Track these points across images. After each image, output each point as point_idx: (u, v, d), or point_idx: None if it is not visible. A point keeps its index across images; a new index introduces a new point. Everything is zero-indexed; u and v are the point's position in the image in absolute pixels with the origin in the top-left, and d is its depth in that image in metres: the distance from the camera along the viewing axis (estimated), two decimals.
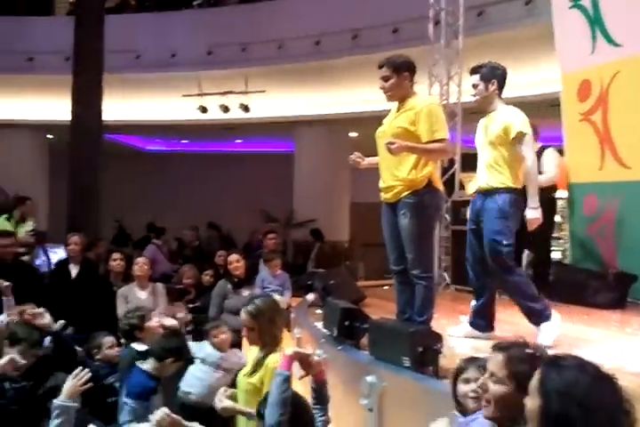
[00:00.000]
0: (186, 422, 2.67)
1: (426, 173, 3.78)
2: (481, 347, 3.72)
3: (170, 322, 5.01)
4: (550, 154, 6.42)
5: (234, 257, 5.40)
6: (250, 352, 3.29)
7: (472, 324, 4.21)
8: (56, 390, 3.35)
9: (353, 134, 13.20)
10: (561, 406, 1.57)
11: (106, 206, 10.28)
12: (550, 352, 1.88)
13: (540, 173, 6.31)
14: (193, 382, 4.12)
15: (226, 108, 11.89)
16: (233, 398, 3.16)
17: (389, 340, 3.56)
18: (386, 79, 3.80)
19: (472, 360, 2.54)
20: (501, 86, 4.14)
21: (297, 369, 2.71)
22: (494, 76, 4.11)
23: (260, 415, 2.59)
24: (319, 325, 4.75)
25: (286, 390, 2.50)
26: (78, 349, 4.18)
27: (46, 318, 4.11)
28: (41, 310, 4.13)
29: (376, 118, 4.13)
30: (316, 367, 2.70)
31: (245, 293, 5.21)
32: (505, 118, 4.01)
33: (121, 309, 5.24)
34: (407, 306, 3.93)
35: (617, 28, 5.98)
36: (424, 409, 3.15)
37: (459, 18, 7.34)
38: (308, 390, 2.82)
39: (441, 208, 3.97)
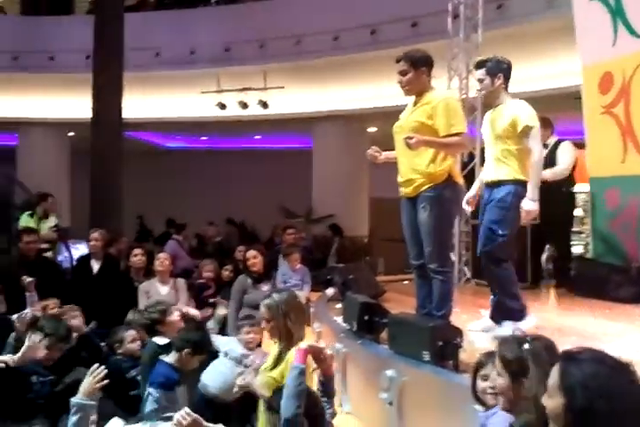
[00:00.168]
0: (206, 423, 2.69)
1: (445, 166, 3.77)
2: None
3: (193, 312, 5.07)
4: (566, 147, 6.37)
5: (251, 253, 5.41)
6: (272, 347, 3.32)
7: (493, 318, 4.19)
8: (77, 385, 3.40)
9: (372, 129, 13.17)
10: (585, 399, 1.56)
11: (126, 203, 10.36)
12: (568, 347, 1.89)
13: (554, 165, 6.29)
14: (213, 375, 4.14)
15: (244, 105, 11.92)
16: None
17: (409, 334, 3.56)
18: (403, 73, 3.80)
19: (491, 355, 2.54)
20: (507, 80, 4.14)
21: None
22: (500, 70, 4.11)
23: (273, 408, 2.62)
24: (339, 319, 4.76)
25: (302, 383, 2.54)
26: (101, 343, 4.23)
27: (79, 320, 4.19)
28: (77, 312, 4.20)
29: (394, 113, 4.11)
30: (327, 361, 2.73)
31: (265, 288, 5.22)
32: (512, 112, 4.00)
33: (142, 304, 5.29)
34: (427, 301, 3.93)
35: (639, 19, 5.89)
36: (444, 403, 3.16)
37: (478, 11, 7.29)
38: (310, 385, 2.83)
39: (460, 202, 3.94)
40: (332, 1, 11.08)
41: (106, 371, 3.02)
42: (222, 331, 5.27)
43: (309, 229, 11.37)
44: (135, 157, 12.52)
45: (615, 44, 6.13)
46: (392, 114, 4.07)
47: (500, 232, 3.92)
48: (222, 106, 12.07)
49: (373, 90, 11.11)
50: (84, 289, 5.80)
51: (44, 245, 7.08)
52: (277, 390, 2.66)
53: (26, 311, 4.16)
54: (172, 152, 17.75)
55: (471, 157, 7.25)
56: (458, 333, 3.41)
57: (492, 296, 4.38)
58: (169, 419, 3.21)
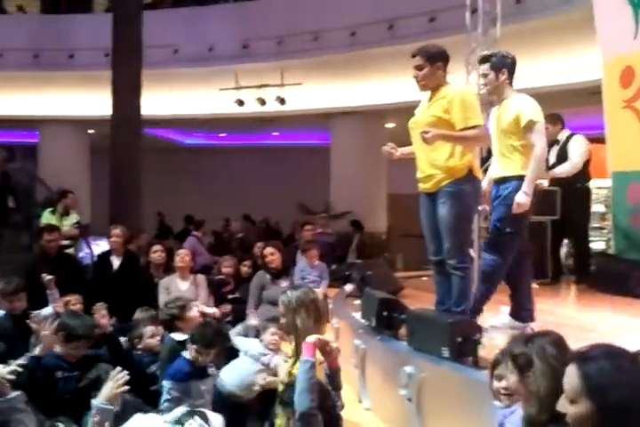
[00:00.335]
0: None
1: (465, 161, 3.75)
2: None
3: (210, 310, 5.10)
4: (577, 141, 6.31)
5: (268, 250, 5.44)
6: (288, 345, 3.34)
7: (512, 315, 4.17)
8: (98, 382, 3.45)
9: (390, 125, 13.13)
10: (619, 396, 1.53)
11: (145, 200, 10.44)
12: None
13: (566, 159, 6.25)
14: (231, 372, 4.15)
15: (262, 101, 11.95)
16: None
17: (428, 330, 3.55)
18: (419, 68, 3.79)
19: (506, 353, 2.53)
20: (511, 75, 4.12)
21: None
22: (504, 65, 4.08)
23: (286, 403, 2.65)
24: (357, 315, 4.77)
25: (313, 377, 2.58)
26: (122, 338, 4.27)
27: (106, 318, 4.24)
28: (104, 311, 4.24)
29: (413, 109, 4.10)
30: (333, 354, 2.77)
31: (283, 284, 5.25)
32: (516, 107, 3.97)
33: (162, 299, 5.33)
34: (446, 297, 3.92)
35: None
36: (464, 400, 3.15)
37: (496, 5, 7.22)
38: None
39: (480, 198, 3.92)
40: None
41: (128, 377, 3.07)
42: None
43: (330, 225, 11.28)
44: (154, 154, 12.61)
45: (636, 37, 6.05)
46: (410, 109, 4.07)
47: (508, 230, 3.89)
48: (240, 102, 12.11)
49: (391, 85, 11.08)
50: (104, 285, 5.86)
51: (66, 242, 7.15)
52: (290, 385, 2.69)
53: (38, 311, 4.20)
54: (190, 149, 17.85)
55: (490, 152, 7.20)
56: (477, 329, 3.40)
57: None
58: (192, 414, 3.29)
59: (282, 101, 11.79)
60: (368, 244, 11.43)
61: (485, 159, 7.17)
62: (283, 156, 16.28)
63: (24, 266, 5.92)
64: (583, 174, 6.30)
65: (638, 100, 6.15)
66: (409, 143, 4.02)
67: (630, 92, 6.23)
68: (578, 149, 6.24)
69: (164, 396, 3.56)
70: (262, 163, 16.42)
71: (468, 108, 3.71)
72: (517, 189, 3.86)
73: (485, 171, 7.03)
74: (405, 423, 3.52)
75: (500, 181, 4.00)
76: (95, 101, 12.08)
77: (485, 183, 4.30)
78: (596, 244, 7.64)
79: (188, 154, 17.46)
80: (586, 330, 4.13)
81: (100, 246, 8.09)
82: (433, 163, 3.79)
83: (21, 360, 3.58)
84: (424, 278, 6.63)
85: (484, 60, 4.15)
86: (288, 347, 3.49)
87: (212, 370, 3.71)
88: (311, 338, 2.73)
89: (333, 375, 2.81)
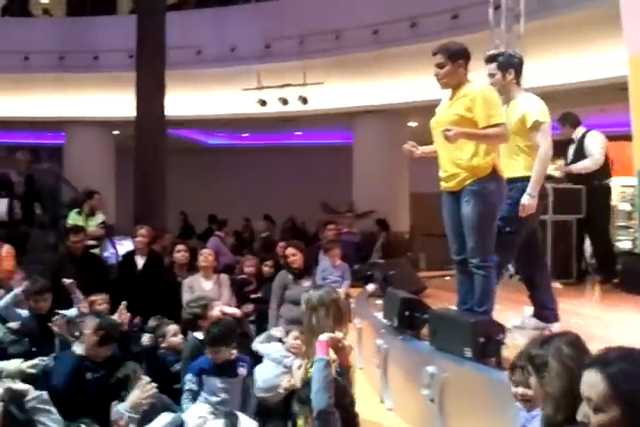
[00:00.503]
0: None
1: (490, 160, 3.72)
2: None
3: (231, 310, 5.12)
4: (595, 137, 6.24)
5: (290, 251, 5.43)
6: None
7: (536, 315, 4.13)
8: (126, 380, 3.50)
9: (412, 124, 13.07)
10: None
11: (169, 200, 10.51)
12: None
13: (584, 156, 6.18)
14: (255, 375, 4.15)
15: (285, 101, 11.97)
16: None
17: (450, 330, 3.53)
18: (440, 66, 3.77)
19: (523, 356, 2.50)
20: (518, 75, 4.15)
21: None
22: (511, 64, 4.12)
23: (303, 401, 2.66)
24: (379, 315, 4.75)
25: (329, 375, 2.60)
26: (148, 336, 4.30)
27: (125, 317, 4.29)
28: (124, 310, 4.29)
29: (435, 107, 4.07)
30: (345, 352, 2.79)
31: (306, 283, 5.24)
32: (523, 107, 4.01)
33: (186, 298, 5.37)
34: (468, 296, 3.88)
35: None
36: (486, 400, 3.12)
37: (519, 2, 7.17)
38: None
39: (504, 197, 3.88)
40: None
41: (156, 390, 3.11)
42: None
43: (355, 224, 11.17)
44: (177, 155, 12.70)
45: None
46: (433, 108, 4.04)
47: (507, 229, 3.89)
48: (263, 102, 12.14)
49: (414, 84, 11.03)
50: (129, 285, 5.92)
51: (91, 242, 7.23)
52: (307, 383, 2.71)
53: (63, 312, 4.24)
54: (213, 149, 17.95)
55: None
56: (500, 329, 3.37)
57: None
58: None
59: (304, 101, 11.80)
60: (395, 243, 11.36)
61: None
62: (305, 155, 16.30)
63: (50, 266, 6.01)
64: (602, 171, 6.22)
65: None
66: (431, 142, 4.00)
67: None
68: (596, 144, 6.17)
69: (184, 386, 3.74)
70: (285, 162, 16.45)
71: (491, 105, 3.68)
72: (521, 189, 3.88)
73: None
74: (428, 424, 3.50)
75: (509, 182, 3.98)
76: (120, 102, 12.21)
77: None
78: (623, 243, 7.53)
79: (211, 154, 17.56)
80: (611, 330, 4.07)
81: (124, 246, 8.17)
82: (456, 162, 3.76)
83: (46, 359, 3.64)
84: (447, 278, 6.59)
85: (490, 59, 4.15)
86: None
87: (241, 370, 3.72)
88: (324, 336, 2.75)
89: (344, 373, 2.82)
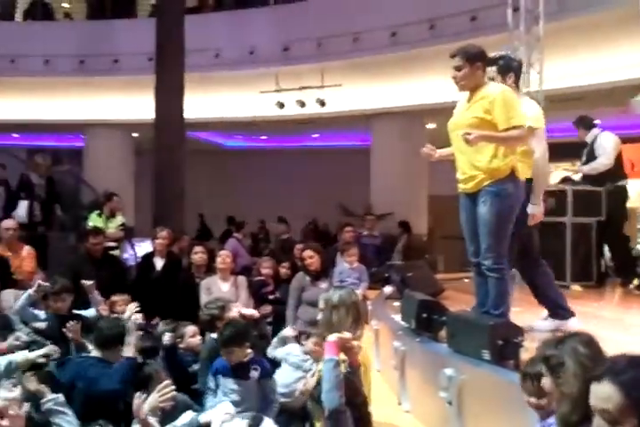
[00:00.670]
0: None
1: (509, 161, 3.71)
2: None
3: (249, 311, 5.13)
4: (605, 138, 6.21)
5: (307, 253, 5.43)
6: None
7: (552, 315, 4.10)
8: (149, 379, 3.53)
9: (431, 126, 13.03)
10: None
11: (187, 201, 10.57)
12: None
13: (595, 157, 6.16)
14: (275, 380, 4.13)
15: (303, 104, 11.99)
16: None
17: (468, 332, 3.51)
18: (458, 69, 3.76)
19: (536, 360, 2.48)
20: (518, 79, 4.18)
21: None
22: (511, 68, 4.13)
23: (317, 400, 2.68)
24: (397, 317, 4.74)
25: (339, 374, 2.63)
26: (168, 335, 4.33)
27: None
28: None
29: (454, 109, 4.07)
30: (354, 352, 2.81)
31: (323, 285, 5.24)
32: None
33: (204, 300, 5.39)
34: (486, 298, 3.86)
35: None
36: (505, 403, 3.10)
37: (539, 3, 7.13)
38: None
39: (522, 200, 3.86)
40: None
41: (174, 393, 3.13)
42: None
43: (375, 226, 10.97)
44: (196, 157, 12.76)
45: None
46: (451, 110, 4.03)
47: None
48: (281, 105, 12.18)
49: (432, 85, 10.99)
50: (147, 286, 5.97)
51: (111, 244, 7.30)
52: (319, 383, 2.73)
53: (73, 322, 4.27)
54: (231, 151, 18.03)
55: None
56: (519, 331, 3.35)
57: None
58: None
59: (322, 103, 11.82)
60: (416, 245, 11.26)
61: None
62: (322, 157, 16.32)
63: (70, 267, 6.07)
64: (615, 173, 6.18)
65: None
66: (450, 144, 3.99)
67: None
68: (606, 145, 6.15)
69: (206, 386, 3.81)
70: (302, 165, 16.48)
71: (510, 107, 3.67)
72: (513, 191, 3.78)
73: None
74: (445, 426, 3.48)
75: None
76: (139, 105, 12.30)
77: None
78: None
79: (229, 156, 17.64)
80: (631, 333, 4.03)
81: (142, 248, 8.23)
82: (475, 164, 3.74)
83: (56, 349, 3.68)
84: (465, 280, 6.55)
85: (490, 62, 4.12)
86: None
87: (253, 373, 3.73)
88: (332, 337, 2.76)
89: (352, 373, 2.84)
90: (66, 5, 15.53)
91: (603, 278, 6.38)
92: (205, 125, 14.08)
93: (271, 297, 6.11)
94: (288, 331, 4.52)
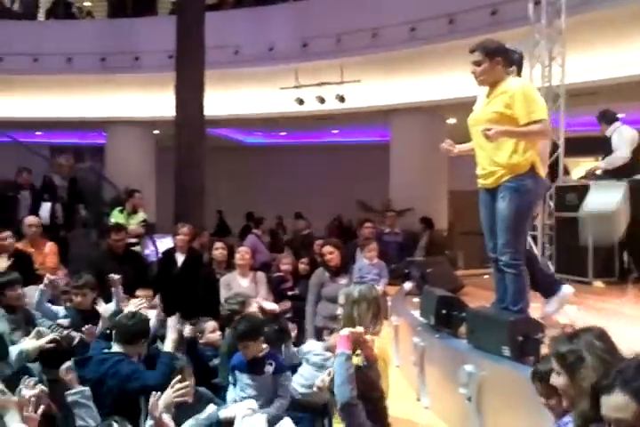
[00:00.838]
0: None
1: (528, 156, 3.68)
2: None
3: (270, 306, 5.15)
4: (622, 132, 6.15)
5: (327, 249, 5.44)
6: None
7: (549, 295, 4.12)
8: (181, 373, 3.59)
9: (451, 121, 12.95)
10: None
11: (207, 197, 10.62)
12: None
13: (612, 151, 6.09)
14: (298, 381, 4.11)
15: (322, 100, 11.98)
16: None
17: (488, 329, 3.50)
18: (478, 64, 3.74)
19: (548, 358, 2.46)
20: (519, 71, 4.18)
21: None
22: (513, 61, 4.10)
23: (333, 394, 2.71)
24: (416, 313, 4.73)
25: (350, 368, 2.65)
26: (189, 327, 4.37)
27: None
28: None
29: (474, 104, 4.04)
30: (367, 346, 2.83)
31: (342, 281, 5.25)
32: None
33: (224, 295, 5.43)
34: (506, 294, 3.85)
35: None
36: (525, 399, 3.08)
37: None
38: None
39: (541, 196, 3.84)
40: None
41: (189, 389, 3.16)
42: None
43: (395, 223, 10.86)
44: (215, 154, 12.82)
45: None
46: (471, 105, 4.01)
47: None
48: (300, 101, 12.17)
49: (452, 80, 10.92)
50: (169, 281, 6.02)
51: (132, 240, 7.36)
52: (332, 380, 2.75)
53: (88, 326, 4.32)
54: (251, 148, 18.09)
55: (554, 146, 7.02)
56: (540, 327, 3.33)
57: None
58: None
59: (341, 99, 11.79)
60: (439, 241, 11.14)
61: (550, 154, 7.01)
62: (342, 153, 16.30)
63: (92, 264, 6.13)
64: (632, 167, 6.11)
65: None
66: (470, 139, 3.97)
67: None
68: (621, 139, 6.10)
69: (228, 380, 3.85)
70: (322, 161, 16.48)
71: (531, 102, 3.64)
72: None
73: (551, 166, 6.92)
74: (465, 423, 3.48)
75: None
76: (160, 102, 12.38)
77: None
78: None
79: (249, 152, 17.70)
80: None
81: (163, 244, 8.29)
82: (495, 159, 3.72)
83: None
84: (486, 277, 6.51)
85: None
86: None
87: (268, 368, 3.75)
88: (345, 331, 2.79)
89: (370, 367, 2.85)
90: (87, 4, 15.66)
91: (625, 274, 6.30)
92: (225, 122, 14.13)
93: (290, 293, 6.13)
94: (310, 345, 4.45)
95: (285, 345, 4.20)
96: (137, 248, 7.49)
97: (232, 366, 3.78)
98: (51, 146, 16.54)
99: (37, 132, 16.62)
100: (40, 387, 2.68)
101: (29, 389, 2.60)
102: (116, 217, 7.80)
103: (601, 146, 6.64)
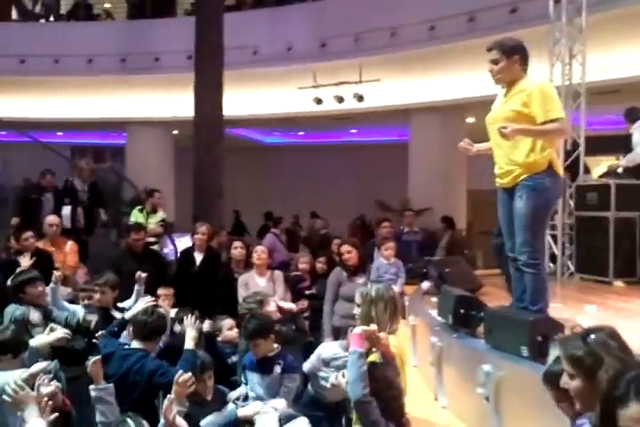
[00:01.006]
0: None
1: (546, 155, 3.65)
2: None
3: (287, 305, 5.16)
4: (638, 129, 6.06)
5: (345, 248, 5.44)
6: None
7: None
8: (204, 369, 3.69)
9: (470, 120, 12.88)
10: None
11: (226, 197, 10.66)
12: None
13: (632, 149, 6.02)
14: (320, 384, 4.08)
15: (340, 99, 11.97)
16: None
17: (507, 328, 3.47)
18: (495, 62, 3.71)
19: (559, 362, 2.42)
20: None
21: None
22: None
23: None
24: (434, 313, 4.71)
25: (362, 366, 2.68)
26: (208, 322, 4.39)
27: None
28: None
29: (493, 103, 4.02)
30: (382, 343, 2.85)
31: (360, 280, 5.24)
32: None
33: (241, 294, 5.45)
34: (524, 294, 3.82)
35: None
36: (543, 400, 3.06)
37: None
38: None
39: (560, 194, 3.80)
40: None
41: (194, 379, 3.18)
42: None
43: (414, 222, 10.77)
44: (234, 153, 12.87)
45: None
46: (491, 104, 3.99)
47: None
48: (319, 101, 12.18)
49: (472, 79, 10.85)
50: (187, 280, 6.06)
51: (152, 239, 7.42)
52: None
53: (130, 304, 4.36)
54: (269, 147, 18.13)
55: (575, 145, 6.96)
56: (559, 328, 3.29)
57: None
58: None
59: (360, 98, 11.77)
60: (460, 241, 11.03)
61: (570, 153, 6.95)
62: (361, 153, 16.28)
63: (112, 262, 6.19)
64: None
65: None
66: (489, 138, 3.95)
67: None
68: (638, 136, 6.02)
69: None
70: (340, 160, 16.48)
71: (549, 100, 3.60)
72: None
73: (571, 165, 6.86)
74: (483, 422, 3.45)
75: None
76: (179, 103, 12.46)
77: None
78: None
79: (268, 152, 17.74)
80: None
81: (182, 243, 8.34)
82: (512, 158, 3.70)
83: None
84: (504, 276, 6.47)
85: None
86: None
87: (277, 368, 3.75)
88: (357, 329, 2.81)
89: (387, 365, 2.86)
90: (107, 5, 15.81)
91: None
92: (244, 122, 14.18)
93: (308, 292, 6.14)
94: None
95: None
96: (156, 247, 7.54)
97: (243, 365, 3.80)
98: (72, 146, 16.72)
99: (58, 133, 16.81)
100: (55, 384, 2.71)
101: (45, 386, 2.63)
102: (136, 216, 7.86)
103: (622, 144, 6.57)
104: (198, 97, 10.27)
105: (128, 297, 5.14)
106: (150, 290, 5.33)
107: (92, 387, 3.28)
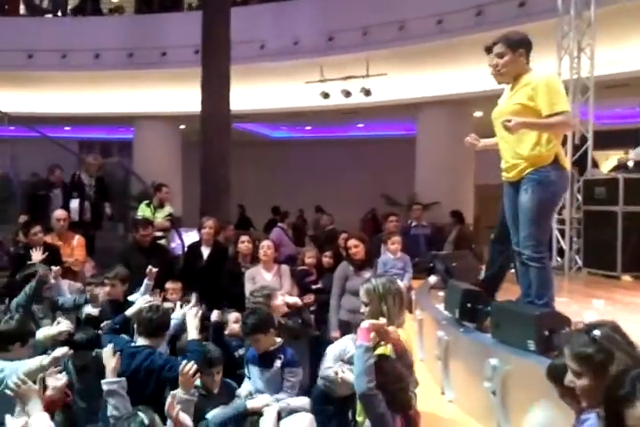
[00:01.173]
0: None
1: (551, 148, 3.63)
2: None
3: (292, 299, 5.17)
4: None
5: (352, 242, 5.43)
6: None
7: None
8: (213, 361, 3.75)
9: (478, 114, 12.83)
10: None
11: (233, 191, 10.67)
12: None
13: None
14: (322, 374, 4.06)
15: (347, 93, 11.95)
16: None
17: (513, 323, 3.47)
18: (500, 56, 3.70)
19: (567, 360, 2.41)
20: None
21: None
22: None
23: None
24: (441, 307, 4.71)
25: (368, 359, 2.68)
26: (216, 312, 4.41)
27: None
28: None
29: (500, 97, 4.00)
30: (391, 336, 2.86)
31: (366, 275, 5.24)
32: None
33: (248, 289, 5.47)
34: (531, 288, 3.81)
35: None
36: (550, 394, 3.06)
37: None
38: None
39: (566, 188, 3.77)
40: None
41: (195, 367, 3.19)
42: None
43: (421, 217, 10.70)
44: (241, 148, 12.88)
45: None
46: (498, 98, 3.97)
47: None
48: (326, 95, 12.16)
49: (479, 73, 10.75)
50: (194, 274, 6.08)
51: (159, 234, 7.44)
52: None
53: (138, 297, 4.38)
54: (276, 142, 18.13)
55: (583, 139, 6.93)
56: (566, 322, 3.29)
57: None
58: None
59: (367, 93, 11.75)
60: (469, 235, 10.97)
61: (578, 147, 6.92)
62: (368, 147, 16.26)
63: (119, 256, 6.22)
64: None
65: None
66: (496, 133, 3.93)
67: None
68: None
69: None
70: (347, 155, 16.46)
71: (554, 93, 3.58)
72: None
73: (579, 159, 6.83)
74: (489, 416, 3.46)
75: None
76: (186, 97, 12.46)
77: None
78: None
79: (275, 147, 17.74)
80: None
81: (189, 237, 8.36)
82: (517, 151, 3.68)
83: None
84: (512, 271, 6.45)
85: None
86: None
87: (277, 362, 3.75)
88: (365, 323, 2.81)
89: (400, 358, 2.88)
90: (114, 0, 15.83)
91: None
92: (251, 117, 14.18)
93: (314, 287, 6.14)
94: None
95: None
96: (163, 242, 7.56)
97: (246, 359, 3.81)
98: (79, 141, 16.78)
99: (66, 128, 16.87)
100: (65, 377, 2.72)
101: (54, 379, 2.64)
102: (143, 210, 7.88)
103: (631, 139, 6.54)
104: (205, 92, 10.26)
105: (135, 291, 5.16)
106: (158, 284, 5.36)
107: (104, 381, 3.28)
